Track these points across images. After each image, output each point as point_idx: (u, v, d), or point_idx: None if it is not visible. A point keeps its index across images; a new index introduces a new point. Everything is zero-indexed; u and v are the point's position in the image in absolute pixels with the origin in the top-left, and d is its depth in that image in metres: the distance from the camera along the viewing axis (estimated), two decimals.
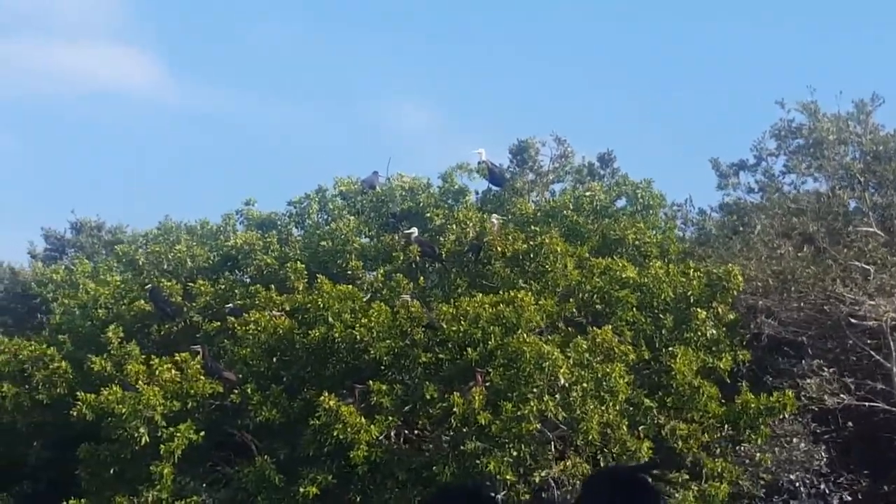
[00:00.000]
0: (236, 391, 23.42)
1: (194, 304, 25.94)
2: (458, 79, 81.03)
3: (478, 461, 22.00)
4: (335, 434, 21.78)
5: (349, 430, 21.81)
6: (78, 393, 23.42)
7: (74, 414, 23.12)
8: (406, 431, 23.16)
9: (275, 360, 24.01)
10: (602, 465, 22.55)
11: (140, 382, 22.84)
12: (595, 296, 23.78)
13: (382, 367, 23.15)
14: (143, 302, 26.32)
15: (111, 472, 23.50)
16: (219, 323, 24.93)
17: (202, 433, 22.92)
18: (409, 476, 22.45)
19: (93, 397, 23.03)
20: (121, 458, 23.37)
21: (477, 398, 21.53)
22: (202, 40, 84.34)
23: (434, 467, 22.05)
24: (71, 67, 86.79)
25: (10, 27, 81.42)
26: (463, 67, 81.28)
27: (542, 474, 22.14)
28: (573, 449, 22.39)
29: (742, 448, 23.75)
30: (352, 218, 26.96)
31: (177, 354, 23.53)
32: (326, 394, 22.09)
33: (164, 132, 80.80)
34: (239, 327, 24.09)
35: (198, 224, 29.48)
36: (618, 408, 21.87)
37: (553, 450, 22.40)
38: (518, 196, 26.95)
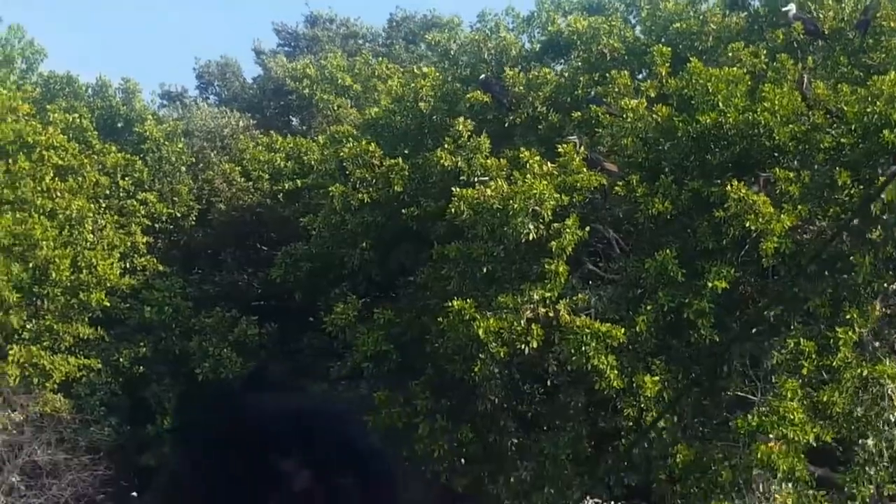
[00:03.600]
0: (620, 183, 22.13)
1: (539, 94, 24.46)
2: None
3: None
4: (747, 225, 20.57)
5: (760, 220, 20.60)
6: (453, 189, 22.15)
7: (452, 210, 21.93)
8: (814, 221, 21.90)
9: (649, 149, 22.66)
10: None
11: (528, 176, 21.57)
12: None
13: (776, 154, 21.82)
14: (479, 93, 24.83)
15: (484, 271, 22.41)
16: (578, 112, 23.46)
17: (587, 228, 21.80)
18: (821, 267, 21.30)
19: (471, 192, 21.83)
20: (494, 256, 22.29)
21: None
22: None
23: (851, 258, 20.90)
24: None
25: None
26: None
27: None
28: None
29: None
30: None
31: (558, 146, 22.18)
32: (735, 182, 20.79)
33: None
34: (605, 117, 22.72)
35: (501, 12, 27.74)
36: None
37: None
38: None
